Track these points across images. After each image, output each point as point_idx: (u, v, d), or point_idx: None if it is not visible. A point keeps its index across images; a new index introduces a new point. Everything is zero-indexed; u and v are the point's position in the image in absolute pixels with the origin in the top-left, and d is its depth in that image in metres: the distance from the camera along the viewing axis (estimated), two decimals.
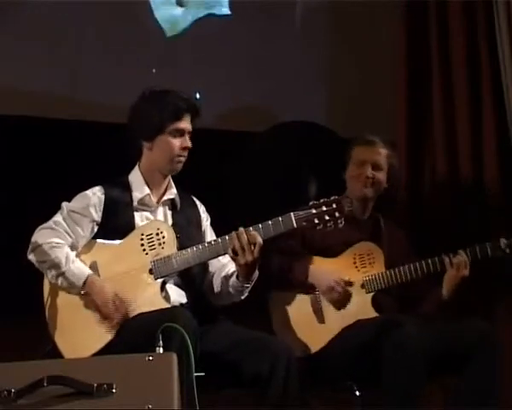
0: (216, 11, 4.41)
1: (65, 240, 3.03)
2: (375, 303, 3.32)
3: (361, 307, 3.30)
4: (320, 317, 3.31)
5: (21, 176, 3.92)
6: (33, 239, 3.03)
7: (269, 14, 4.49)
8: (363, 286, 3.33)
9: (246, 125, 4.40)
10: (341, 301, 3.30)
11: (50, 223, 3.06)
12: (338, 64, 4.59)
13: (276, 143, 4.30)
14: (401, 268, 3.33)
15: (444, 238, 3.40)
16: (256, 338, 2.97)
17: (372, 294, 3.33)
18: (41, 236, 3.03)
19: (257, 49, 4.44)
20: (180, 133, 3.09)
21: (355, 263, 3.37)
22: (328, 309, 3.32)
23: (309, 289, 3.34)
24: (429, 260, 3.34)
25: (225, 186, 4.11)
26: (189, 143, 3.11)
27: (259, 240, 2.91)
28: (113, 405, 2.08)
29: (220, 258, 3.13)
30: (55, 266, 2.97)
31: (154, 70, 4.26)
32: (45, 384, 2.09)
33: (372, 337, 3.10)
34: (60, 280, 2.98)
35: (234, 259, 2.95)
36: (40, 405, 2.09)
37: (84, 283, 2.96)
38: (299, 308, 3.33)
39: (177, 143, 3.09)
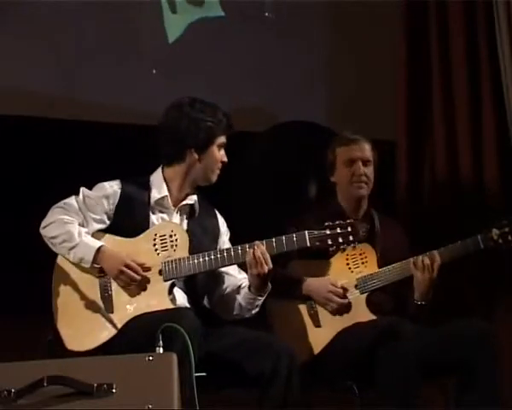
0: (208, 14, 4.41)
1: (75, 218, 3.05)
2: (371, 303, 3.31)
3: (356, 308, 3.29)
4: (316, 321, 3.31)
5: (21, 176, 3.91)
6: (46, 218, 3.06)
7: (269, 13, 4.49)
8: (356, 287, 3.33)
9: (246, 125, 4.39)
10: (340, 310, 3.29)
11: (61, 203, 3.09)
12: (338, 64, 4.59)
13: (276, 143, 4.30)
14: (391, 267, 3.32)
15: (444, 238, 3.39)
16: (258, 338, 2.98)
17: (366, 294, 3.32)
18: (53, 214, 3.06)
19: (257, 50, 4.44)
20: (223, 146, 3.15)
21: (348, 264, 3.36)
22: (324, 313, 3.32)
23: (304, 297, 3.33)
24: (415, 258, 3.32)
25: (225, 186, 4.10)
26: (226, 157, 3.17)
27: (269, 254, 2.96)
28: (113, 405, 2.09)
29: (236, 274, 3.15)
30: (68, 239, 2.99)
31: (154, 71, 4.26)
32: (45, 384, 2.09)
33: (368, 340, 3.10)
34: (72, 253, 2.98)
35: (248, 269, 2.98)
36: (40, 405, 2.09)
37: (96, 256, 2.96)
38: (294, 313, 3.32)
39: (221, 155, 3.15)
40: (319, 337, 3.27)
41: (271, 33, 4.48)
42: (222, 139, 3.14)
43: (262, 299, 3.07)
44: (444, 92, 4.27)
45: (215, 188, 3.89)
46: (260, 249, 2.95)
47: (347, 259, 3.36)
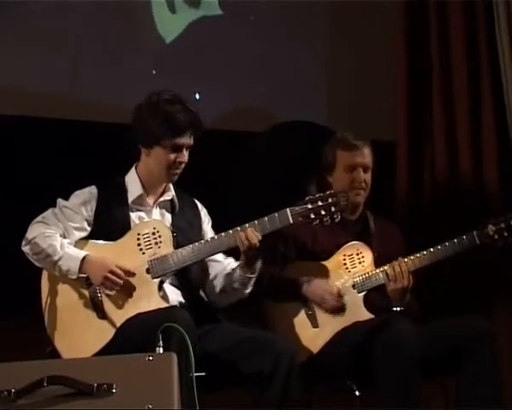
0: (207, 13, 4.41)
1: (56, 230, 3.04)
2: (368, 303, 3.32)
3: (353, 307, 3.30)
4: (314, 321, 3.32)
5: (21, 176, 3.92)
6: (27, 234, 3.05)
7: (269, 14, 4.50)
8: (354, 286, 3.34)
9: (246, 125, 4.40)
10: (336, 310, 3.30)
11: (39, 217, 3.09)
12: (338, 64, 4.59)
13: (276, 143, 4.31)
14: (388, 266, 3.32)
15: (444, 238, 3.39)
16: (258, 337, 2.97)
17: (364, 293, 3.33)
18: (33, 230, 3.04)
19: (257, 49, 4.44)
20: (177, 148, 3.07)
21: (345, 264, 3.37)
22: (321, 314, 3.33)
23: (302, 298, 3.34)
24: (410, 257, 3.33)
25: (225, 186, 4.11)
26: (185, 159, 3.08)
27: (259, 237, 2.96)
28: (113, 405, 2.08)
29: (222, 260, 3.16)
30: (51, 253, 2.98)
31: (153, 71, 4.26)
32: (45, 384, 2.09)
33: (367, 339, 3.11)
34: (57, 267, 2.98)
35: (244, 252, 2.98)
36: (40, 405, 2.09)
37: (81, 266, 2.95)
38: (292, 315, 3.33)
39: (172, 157, 3.06)
40: (318, 338, 3.27)
41: (271, 33, 4.48)
42: (172, 141, 3.04)
43: (254, 277, 3.06)
44: (444, 92, 4.27)
45: (214, 188, 3.90)
46: (251, 236, 2.94)
47: (344, 259, 3.38)
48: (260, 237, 2.96)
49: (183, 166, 3.11)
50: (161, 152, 3.07)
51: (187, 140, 3.07)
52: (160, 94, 3.09)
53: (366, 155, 3.49)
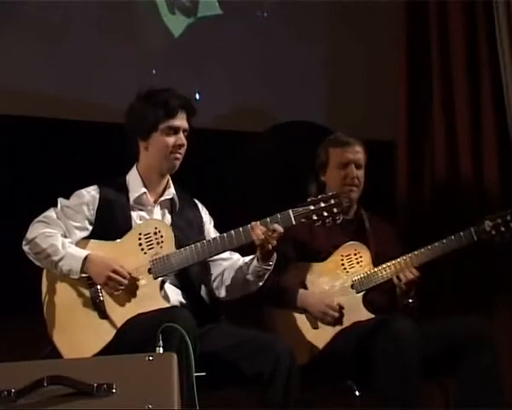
0: (207, 13, 4.41)
1: (57, 230, 3.04)
2: (368, 302, 3.33)
3: (352, 307, 3.31)
4: (314, 322, 3.32)
5: (21, 176, 3.92)
6: (27, 234, 3.05)
7: (269, 13, 4.50)
8: (352, 286, 3.34)
9: (246, 125, 4.40)
10: (335, 323, 3.30)
11: (41, 217, 3.08)
12: (338, 64, 4.59)
13: (276, 143, 4.31)
14: (386, 265, 3.33)
15: (444, 239, 3.39)
16: (258, 338, 2.97)
17: (362, 293, 3.33)
18: (34, 229, 3.04)
19: (257, 49, 4.45)
20: (174, 131, 3.08)
21: (343, 264, 3.38)
22: None
23: (300, 310, 3.35)
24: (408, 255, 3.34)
25: (225, 186, 4.11)
26: (183, 141, 3.10)
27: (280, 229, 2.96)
28: (113, 405, 2.08)
29: (229, 256, 3.15)
30: (52, 253, 2.97)
31: (154, 71, 4.26)
32: (45, 384, 2.09)
33: (366, 339, 3.11)
34: (58, 266, 2.97)
35: (260, 245, 2.97)
36: (40, 405, 2.09)
37: (83, 265, 2.95)
38: (293, 316, 3.33)
39: (171, 140, 3.08)
40: (318, 338, 3.28)
41: (271, 33, 4.48)
42: (168, 123, 3.07)
43: (270, 268, 3.06)
44: (444, 92, 4.27)
45: (214, 188, 3.90)
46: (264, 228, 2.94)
47: (342, 259, 3.39)
48: (282, 230, 2.96)
49: (183, 150, 3.11)
50: (159, 137, 3.08)
51: (182, 122, 3.10)
52: (148, 88, 3.13)
53: (358, 152, 3.51)
